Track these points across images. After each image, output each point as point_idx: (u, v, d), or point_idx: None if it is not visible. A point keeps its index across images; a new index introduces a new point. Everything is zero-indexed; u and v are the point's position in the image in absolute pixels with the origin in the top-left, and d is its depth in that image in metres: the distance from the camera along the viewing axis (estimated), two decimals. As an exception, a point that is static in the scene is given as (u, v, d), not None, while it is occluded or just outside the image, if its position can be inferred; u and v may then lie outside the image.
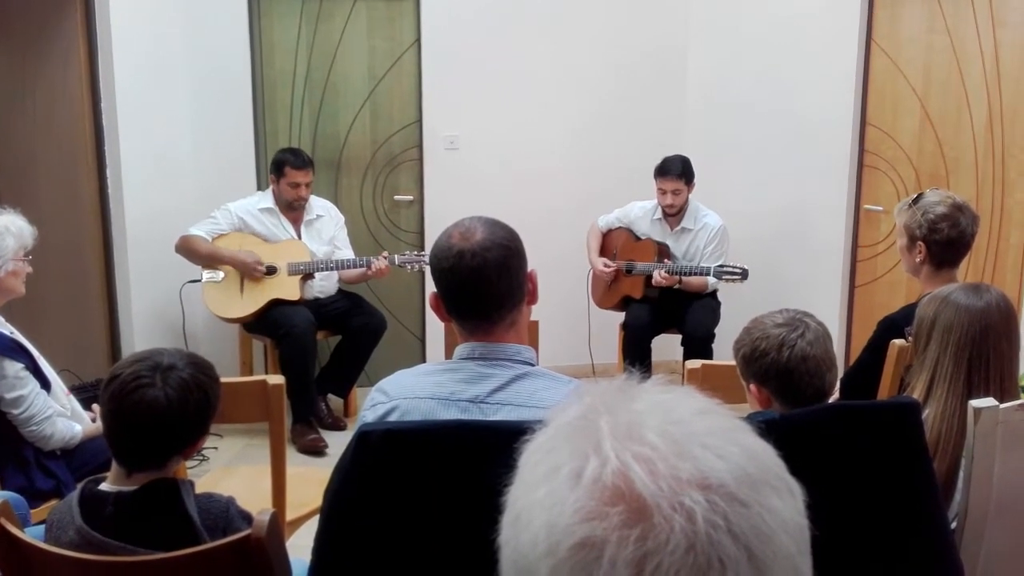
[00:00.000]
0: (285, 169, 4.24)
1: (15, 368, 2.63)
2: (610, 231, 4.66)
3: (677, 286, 4.31)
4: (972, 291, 2.00)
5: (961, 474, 1.87)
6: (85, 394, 3.32)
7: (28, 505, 2.46)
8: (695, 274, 4.30)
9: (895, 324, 2.48)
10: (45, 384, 2.75)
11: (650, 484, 0.54)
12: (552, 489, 0.57)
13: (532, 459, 0.61)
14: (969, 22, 3.86)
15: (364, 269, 4.25)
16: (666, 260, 4.38)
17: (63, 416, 2.76)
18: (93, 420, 2.85)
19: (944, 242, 2.48)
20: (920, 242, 2.50)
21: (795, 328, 1.77)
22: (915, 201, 2.55)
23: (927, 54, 4.07)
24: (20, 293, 2.81)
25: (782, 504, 0.57)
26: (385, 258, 4.22)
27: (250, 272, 4.18)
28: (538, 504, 0.57)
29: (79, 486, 1.66)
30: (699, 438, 0.57)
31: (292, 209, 4.33)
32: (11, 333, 2.72)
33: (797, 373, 1.75)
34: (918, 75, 4.12)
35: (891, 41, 4.23)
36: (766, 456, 0.59)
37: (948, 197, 2.53)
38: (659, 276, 4.25)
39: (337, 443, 4.10)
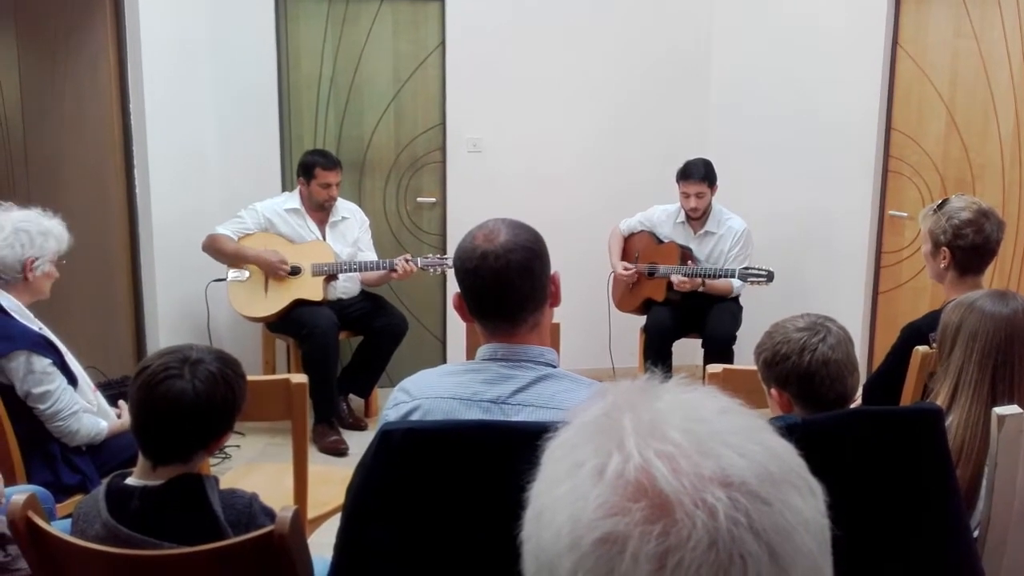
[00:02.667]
0: (316, 171, 4.28)
1: (43, 363, 2.66)
2: (632, 235, 4.65)
3: (701, 289, 4.29)
4: (998, 298, 1.98)
5: (984, 482, 1.85)
6: (110, 391, 3.36)
7: (54, 499, 2.49)
8: (719, 276, 4.28)
9: (919, 331, 2.46)
10: (72, 380, 2.78)
11: (672, 481, 0.55)
12: (575, 485, 0.58)
13: (555, 456, 0.62)
14: (996, 26, 3.83)
15: (386, 271, 4.28)
16: (689, 263, 4.37)
17: (89, 412, 2.79)
18: (119, 416, 2.88)
19: (969, 248, 2.46)
20: (945, 248, 2.49)
21: (816, 332, 1.77)
22: (940, 207, 2.53)
23: (953, 59, 4.04)
24: (46, 296, 2.86)
25: (803, 503, 0.57)
26: (408, 260, 4.24)
27: (274, 271, 4.21)
28: (561, 500, 0.58)
29: (105, 480, 1.68)
30: (721, 436, 0.58)
31: (322, 209, 4.37)
32: (40, 329, 2.76)
33: (818, 377, 1.74)
34: (944, 80, 4.09)
35: (917, 45, 4.20)
36: (788, 455, 0.60)
37: (973, 203, 2.51)
38: (678, 279, 4.24)
39: (358, 443, 4.12)
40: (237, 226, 4.29)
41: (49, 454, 2.71)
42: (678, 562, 0.52)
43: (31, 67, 4.40)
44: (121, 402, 2.91)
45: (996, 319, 1.94)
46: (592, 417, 0.62)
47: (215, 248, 4.25)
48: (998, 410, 1.78)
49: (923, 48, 4.17)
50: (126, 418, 2.87)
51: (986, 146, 3.93)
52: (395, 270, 4.23)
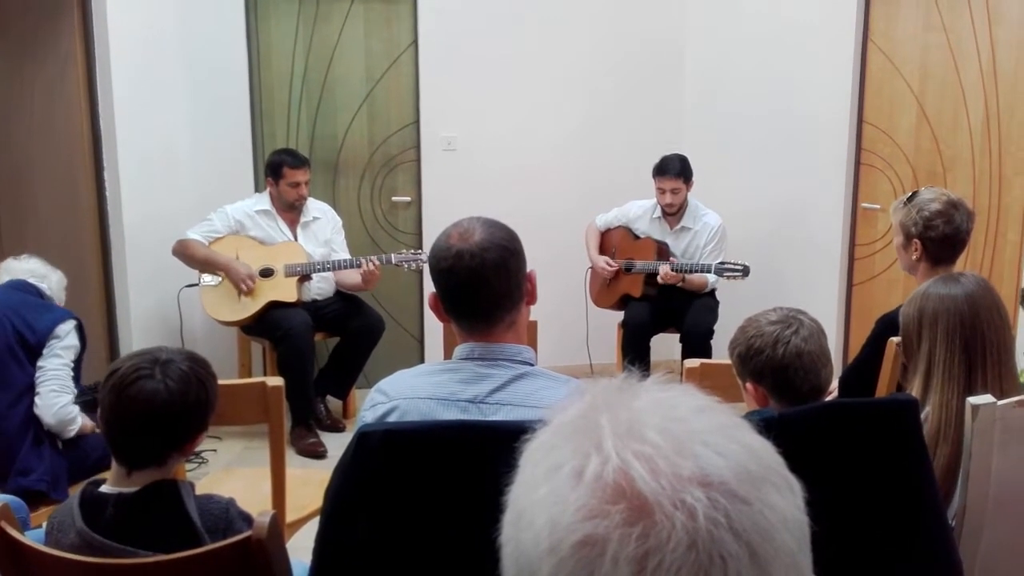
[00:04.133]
0: (284, 170, 4.25)
1: (75, 342, 2.94)
2: (608, 230, 4.66)
3: (680, 284, 4.31)
4: (947, 281, 2.02)
5: (961, 471, 1.87)
6: (83, 398, 3.33)
7: (28, 508, 2.47)
8: (696, 271, 4.31)
9: (893, 322, 2.47)
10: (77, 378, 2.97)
11: (651, 482, 0.54)
12: (554, 488, 0.57)
13: (533, 458, 0.62)
14: (965, 20, 3.87)
15: (360, 273, 4.23)
16: (671, 259, 4.39)
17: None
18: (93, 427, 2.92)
19: (939, 239, 2.48)
20: (916, 239, 2.51)
21: (789, 325, 1.78)
22: (910, 199, 2.56)
23: (923, 52, 4.08)
24: None
25: (783, 501, 0.57)
26: (369, 260, 4.21)
27: (238, 285, 4.18)
28: (540, 503, 0.58)
29: (80, 488, 1.66)
30: (699, 436, 0.57)
31: (293, 209, 4.33)
32: None
33: (792, 369, 1.75)
34: (915, 73, 4.13)
35: (888, 40, 4.24)
36: (766, 453, 0.60)
37: (943, 194, 2.54)
38: (664, 272, 4.25)
39: (336, 445, 4.10)
40: (207, 230, 4.25)
41: (39, 451, 2.80)
42: (658, 564, 0.52)
43: (-3, 70, 4.33)
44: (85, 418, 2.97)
45: (954, 299, 1.96)
46: (570, 418, 0.62)
47: (185, 254, 4.21)
48: (971, 400, 1.80)
49: (893, 42, 4.21)
50: (88, 421, 2.92)
51: (956, 138, 3.98)
52: (362, 268, 4.19)
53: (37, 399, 2.83)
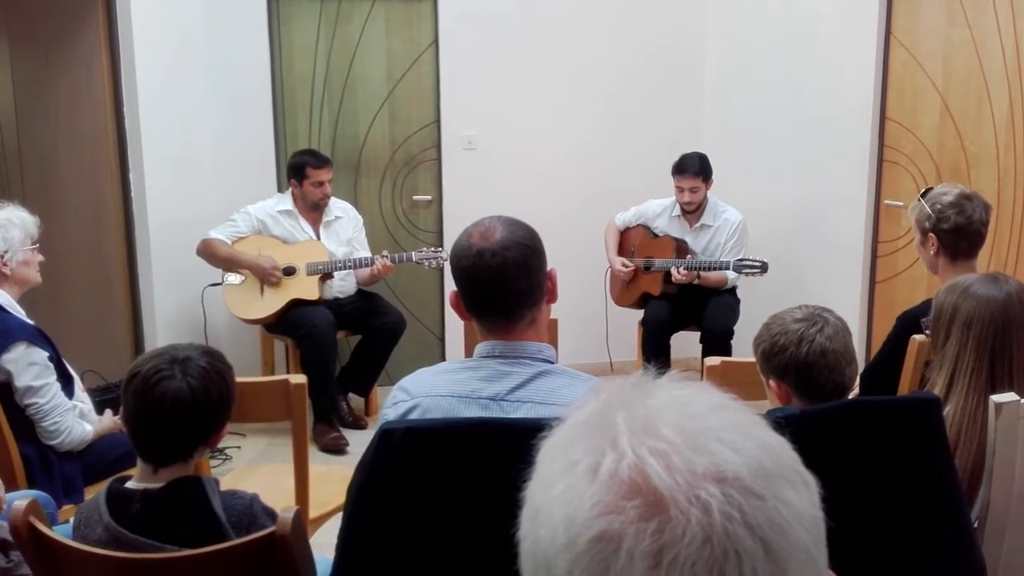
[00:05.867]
0: (307, 170, 4.29)
1: (42, 355, 2.66)
2: (627, 229, 4.66)
3: (696, 281, 4.30)
4: (991, 281, 1.98)
5: (986, 471, 1.86)
6: (109, 395, 3.38)
7: (56, 504, 2.50)
8: (714, 269, 4.29)
9: (915, 319, 2.46)
10: (67, 377, 2.79)
11: (666, 478, 0.55)
12: (570, 484, 0.58)
13: (550, 455, 0.62)
14: (989, 14, 3.83)
15: (373, 270, 4.30)
16: (687, 256, 4.38)
17: (79, 412, 2.80)
18: (114, 417, 2.86)
19: (953, 230, 2.46)
20: (931, 233, 2.50)
21: (814, 323, 1.78)
22: (923, 195, 2.55)
23: (946, 48, 4.04)
24: (37, 281, 2.84)
25: (797, 497, 0.57)
26: (384, 257, 4.27)
27: (266, 278, 4.22)
28: (556, 499, 0.58)
29: (106, 484, 1.69)
30: (714, 432, 0.58)
31: (318, 208, 4.37)
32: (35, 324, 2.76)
33: (816, 368, 1.75)
34: (937, 69, 4.09)
35: (910, 35, 4.20)
36: (781, 449, 0.60)
37: (956, 188, 2.53)
38: (677, 273, 4.25)
39: (358, 442, 4.12)
40: (230, 230, 4.29)
41: (46, 460, 2.71)
42: (673, 559, 0.53)
43: (24, 72, 4.40)
44: (108, 411, 2.90)
45: (991, 304, 1.93)
46: (586, 415, 0.63)
47: (209, 253, 4.26)
48: (995, 398, 1.79)
49: (916, 37, 4.18)
50: (107, 420, 2.86)
51: (980, 134, 3.94)
52: (374, 268, 4.26)
53: (43, 436, 2.66)
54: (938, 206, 2.48)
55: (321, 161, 4.33)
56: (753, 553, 0.54)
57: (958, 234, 2.47)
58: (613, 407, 0.61)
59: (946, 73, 4.06)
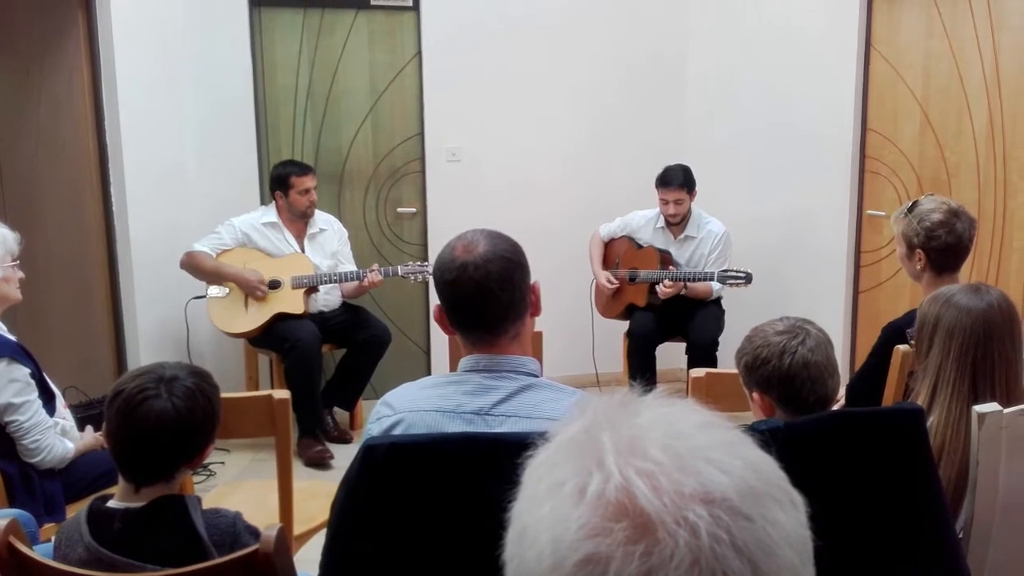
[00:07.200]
0: (291, 179, 4.28)
1: (23, 372, 2.62)
2: (612, 240, 4.66)
3: (683, 292, 4.31)
4: (973, 292, 2.00)
5: (970, 482, 1.86)
6: (91, 411, 3.33)
7: (37, 522, 2.46)
8: (699, 279, 4.30)
9: (899, 330, 2.47)
10: (49, 394, 2.75)
11: (653, 499, 0.54)
12: (556, 505, 0.57)
13: (536, 475, 0.62)
14: (968, 26, 3.87)
15: (359, 283, 4.29)
16: (670, 267, 4.39)
17: (60, 429, 2.76)
18: (96, 434, 2.84)
19: (942, 248, 2.48)
20: (919, 250, 2.51)
21: (796, 335, 1.78)
22: (911, 209, 2.56)
23: (926, 59, 4.08)
24: (17, 299, 2.80)
25: (785, 516, 0.57)
26: (374, 272, 4.26)
27: (252, 292, 4.20)
28: (543, 520, 0.58)
29: (88, 503, 1.66)
30: (702, 452, 0.57)
31: (304, 217, 4.36)
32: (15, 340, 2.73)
33: (799, 380, 1.75)
34: (918, 80, 4.13)
35: (890, 47, 4.24)
36: (769, 469, 0.60)
37: (944, 203, 2.54)
38: (663, 286, 4.26)
39: (343, 456, 4.10)
40: (215, 242, 4.27)
41: (27, 478, 2.68)
42: None
43: (4, 84, 4.36)
44: (88, 427, 2.88)
45: (973, 315, 1.94)
46: (572, 434, 0.62)
47: (193, 266, 4.23)
48: (978, 408, 1.80)
49: (896, 49, 4.21)
50: (88, 437, 2.83)
51: (960, 144, 3.97)
52: (364, 281, 4.25)
53: (23, 454, 2.63)
54: (927, 224, 2.49)
55: (304, 169, 4.33)
56: (741, 574, 0.53)
57: (947, 252, 2.49)
58: (599, 426, 0.61)
59: (926, 84, 4.10)
